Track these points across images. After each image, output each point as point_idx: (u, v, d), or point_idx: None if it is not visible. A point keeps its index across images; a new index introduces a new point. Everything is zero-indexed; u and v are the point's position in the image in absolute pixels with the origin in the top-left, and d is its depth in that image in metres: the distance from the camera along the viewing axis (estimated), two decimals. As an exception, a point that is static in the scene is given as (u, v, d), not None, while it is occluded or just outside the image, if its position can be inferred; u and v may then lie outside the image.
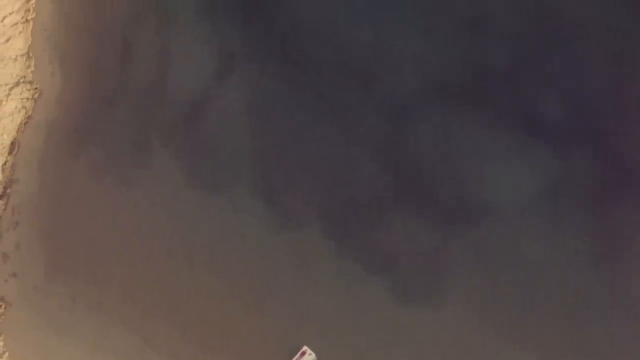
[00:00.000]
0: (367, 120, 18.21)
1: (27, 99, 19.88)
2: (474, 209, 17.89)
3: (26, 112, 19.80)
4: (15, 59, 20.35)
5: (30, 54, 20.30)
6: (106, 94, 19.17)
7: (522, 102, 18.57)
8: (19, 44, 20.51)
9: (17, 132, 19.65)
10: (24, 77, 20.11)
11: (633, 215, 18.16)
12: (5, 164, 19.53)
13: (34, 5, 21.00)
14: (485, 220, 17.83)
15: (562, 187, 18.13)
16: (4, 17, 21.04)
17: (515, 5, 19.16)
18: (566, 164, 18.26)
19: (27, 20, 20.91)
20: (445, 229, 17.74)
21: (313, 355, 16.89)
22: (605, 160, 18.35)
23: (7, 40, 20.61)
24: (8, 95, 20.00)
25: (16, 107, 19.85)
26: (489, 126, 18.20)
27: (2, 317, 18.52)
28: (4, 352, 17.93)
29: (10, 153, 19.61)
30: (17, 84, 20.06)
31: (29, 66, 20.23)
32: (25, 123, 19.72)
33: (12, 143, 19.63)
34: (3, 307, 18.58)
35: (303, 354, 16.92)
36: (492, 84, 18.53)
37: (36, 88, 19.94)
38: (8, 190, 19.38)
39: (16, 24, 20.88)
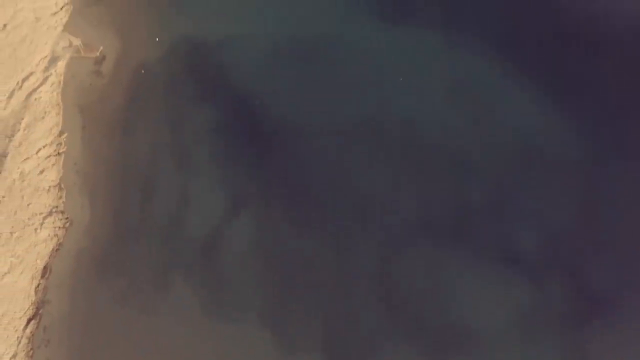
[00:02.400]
0: (363, 255, 20.52)
1: (59, 227, 22.20)
2: (458, 336, 20.01)
3: (58, 240, 22.09)
4: (49, 190, 22.75)
5: (62, 186, 22.68)
6: (130, 226, 21.52)
7: (501, 236, 20.83)
8: (52, 176, 22.93)
9: (49, 258, 21.92)
10: (56, 207, 22.46)
11: (605, 337, 20.25)
12: (38, 286, 21.78)
13: (65, 140, 23.52)
14: (469, 346, 19.91)
15: (538, 314, 20.24)
16: (39, 150, 23.57)
17: (493, 147, 21.64)
18: (542, 292, 20.40)
19: (59, 153, 23.37)
20: (434, 354, 19.80)
21: None
22: (578, 288, 20.46)
23: (42, 172, 23.06)
24: (42, 223, 22.37)
25: (49, 235, 22.18)
26: (471, 259, 20.45)
27: None
28: None
29: (42, 277, 21.87)
30: (50, 213, 22.41)
31: (60, 197, 22.59)
32: (57, 250, 21.99)
33: (45, 267, 21.89)
34: (34, 417, 20.72)
35: None
36: (474, 220, 20.82)
37: (67, 218, 22.27)
38: (40, 311, 21.61)
39: (49, 156, 23.36)
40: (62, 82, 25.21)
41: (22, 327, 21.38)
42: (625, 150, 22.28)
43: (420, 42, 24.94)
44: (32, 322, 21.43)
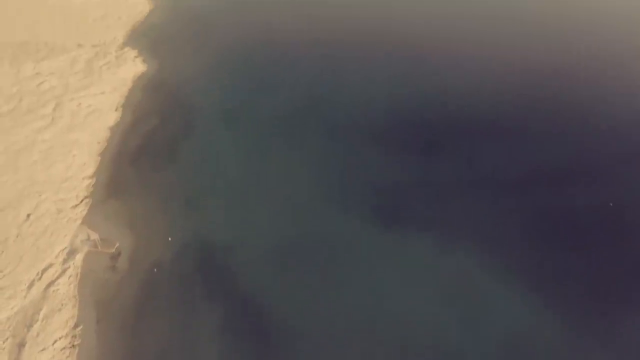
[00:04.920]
0: None
1: (71, 420, 24.57)
2: None
3: None
4: (64, 384, 25.28)
5: (77, 381, 25.30)
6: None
7: None
8: (66, 369, 25.58)
9: None
10: (72, 403, 24.94)
11: None
12: None
13: (80, 332, 26.43)
14: None
15: None
16: (55, 341, 26.25)
17: (484, 347, 25.96)
18: None
19: (73, 346, 26.13)
20: None
21: None
22: None
23: (57, 366, 25.67)
24: (55, 417, 24.69)
25: None
26: None
27: None
28: None
29: None
30: (64, 407, 24.82)
31: (75, 395, 25.13)
32: None
33: None
34: None
35: None
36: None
37: (81, 412, 24.75)
38: None
39: (64, 348, 26.08)
40: (79, 276, 28.50)
41: None
42: (613, 348, 25.85)
43: (413, 245, 30.00)
44: None
